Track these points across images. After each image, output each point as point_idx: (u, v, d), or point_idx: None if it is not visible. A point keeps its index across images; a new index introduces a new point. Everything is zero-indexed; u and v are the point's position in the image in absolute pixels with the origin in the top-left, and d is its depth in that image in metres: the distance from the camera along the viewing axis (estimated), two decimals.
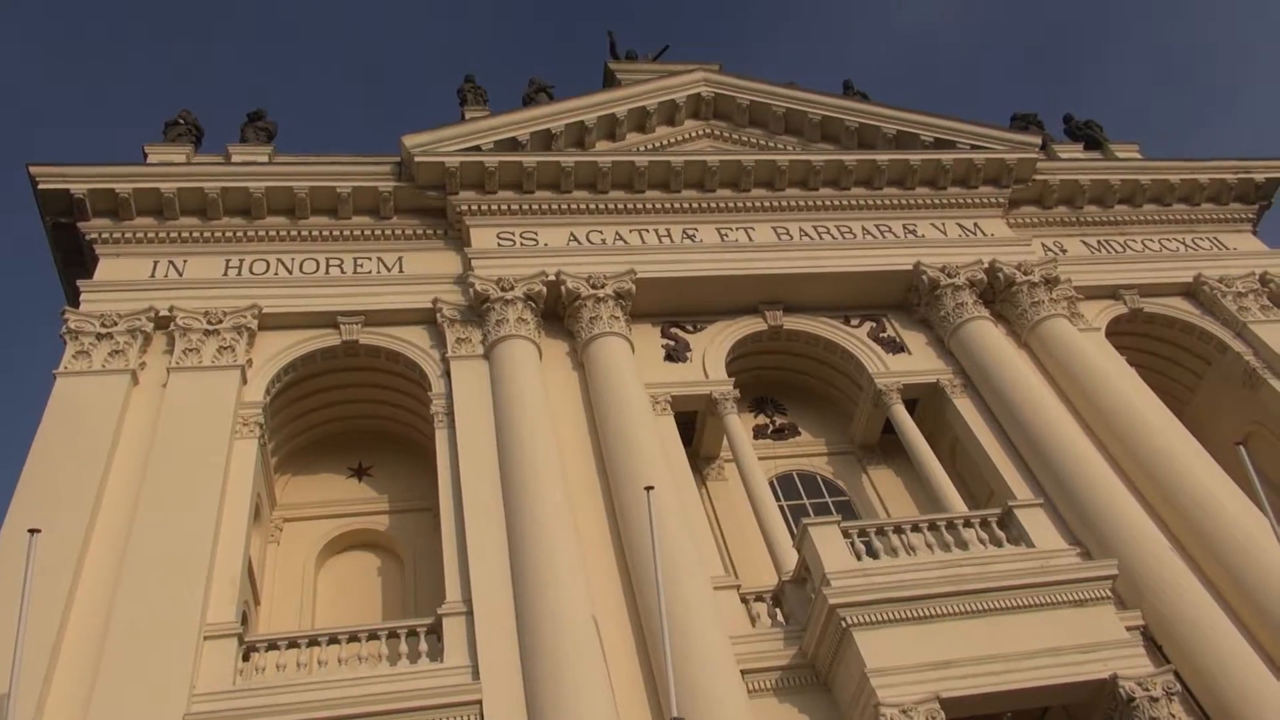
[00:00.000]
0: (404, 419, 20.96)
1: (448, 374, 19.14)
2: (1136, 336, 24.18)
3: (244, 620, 15.77)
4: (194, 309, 19.29)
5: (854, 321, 22.41)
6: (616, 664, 14.56)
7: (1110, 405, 19.82)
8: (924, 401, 21.39)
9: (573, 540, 15.87)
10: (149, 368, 18.48)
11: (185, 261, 20.57)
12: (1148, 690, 13.83)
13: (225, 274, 20.47)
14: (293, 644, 14.93)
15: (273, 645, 14.92)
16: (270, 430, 19.08)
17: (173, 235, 20.80)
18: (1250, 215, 26.93)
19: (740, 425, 19.82)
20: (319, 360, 19.96)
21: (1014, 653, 14.23)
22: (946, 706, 13.44)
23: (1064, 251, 24.79)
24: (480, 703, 14.04)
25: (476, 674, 14.40)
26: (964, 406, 20.62)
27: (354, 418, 21.12)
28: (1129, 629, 15.40)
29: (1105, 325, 23.21)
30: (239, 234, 21.14)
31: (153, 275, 20.13)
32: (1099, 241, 25.52)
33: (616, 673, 14.41)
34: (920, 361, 21.66)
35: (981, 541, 15.86)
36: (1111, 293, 24.05)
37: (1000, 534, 16.02)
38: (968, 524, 16.15)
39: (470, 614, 15.15)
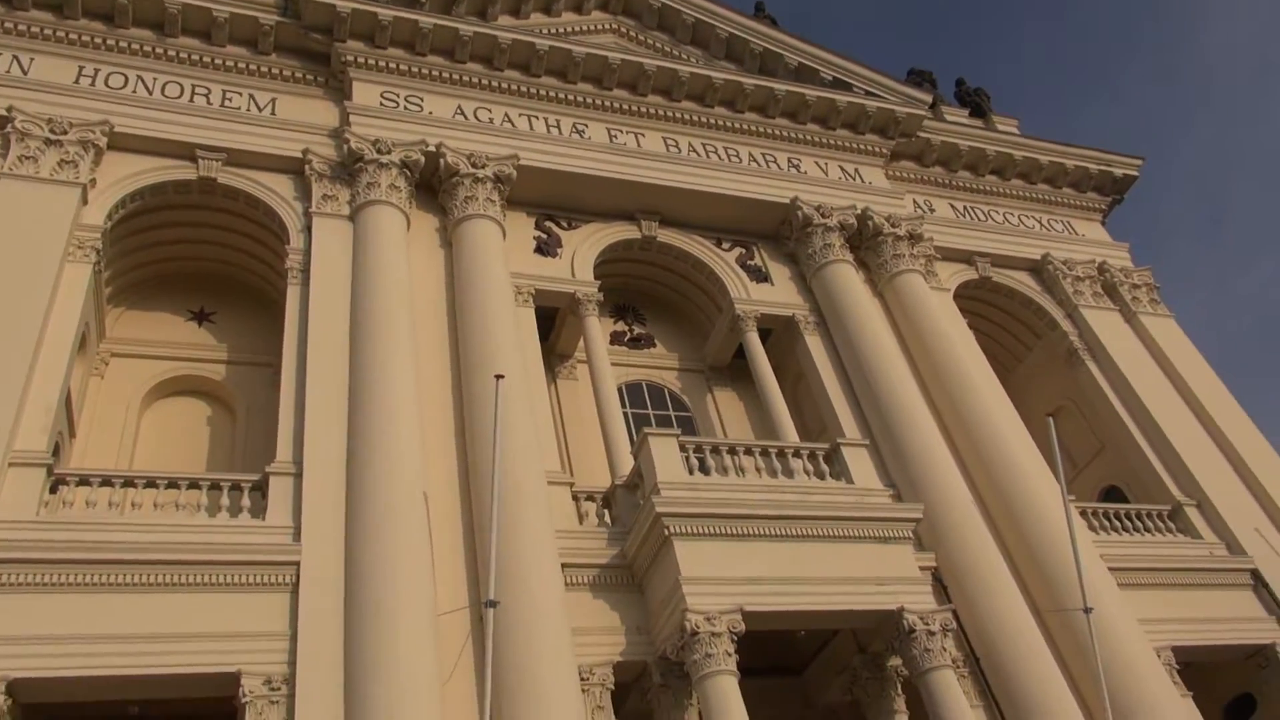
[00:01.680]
0: (255, 269, 20.14)
1: (309, 230, 18.37)
2: (981, 302, 25.56)
3: (56, 452, 15.09)
4: (36, 113, 17.74)
5: (725, 245, 22.76)
6: (441, 542, 14.73)
7: (944, 363, 21.00)
8: (777, 333, 22.11)
9: (414, 415, 15.74)
10: None
11: (32, 60, 18.81)
12: (927, 625, 15.10)
13: (77, 81, 18.85)
14: (106, 482, 14.38)
15: (84, 481, 14.32)
16: (108, 259, 17.99)
17: (20, 28, 18.93)
18: (1103, 206, 28.56)
19: (599, 329, 19.97)
20: (170, 193, 18.81)
21: (818, 577, 15.19)
22: (748, 619, 14.28)
23: (932, 210, 25.76)
24: (298, 564, 13.95)
25: (298, 536, 14.29)
26: (813, 344, 21.41)
27: (201, 259, 20.13)
28: (922, 568, 16.68)
29: (955, 287, 24.41)
30: (97, 40, 19.44)
31: None
32: (965, 207, 26.61)
33: (440, 551, 14.59)
34: (781, 294, 22.28)
35: (807, 472, 16.69)
36: (967, 257, 25.24)
37: (825, 467, 16.88)
38: (797, 454, 16.94)
39: (299, 476, 14.92)
